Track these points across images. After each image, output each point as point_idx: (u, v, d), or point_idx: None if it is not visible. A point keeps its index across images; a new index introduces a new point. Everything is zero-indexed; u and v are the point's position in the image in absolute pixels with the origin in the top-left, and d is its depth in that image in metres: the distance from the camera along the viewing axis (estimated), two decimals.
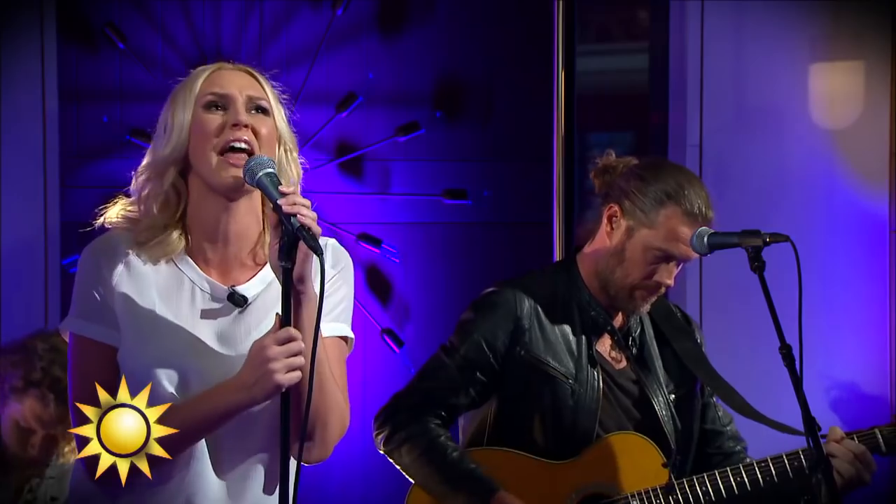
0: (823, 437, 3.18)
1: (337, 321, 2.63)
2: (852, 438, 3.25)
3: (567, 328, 3.35)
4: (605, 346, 3.40)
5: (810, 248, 4.15)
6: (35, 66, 4.60)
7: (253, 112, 2.58)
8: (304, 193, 2.52)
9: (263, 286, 2.61)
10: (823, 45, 4.97)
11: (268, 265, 2.61)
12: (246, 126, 2.55)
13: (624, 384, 3.37)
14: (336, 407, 2.56)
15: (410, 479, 3.32)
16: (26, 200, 4.57)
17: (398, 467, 3.33)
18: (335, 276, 2.63)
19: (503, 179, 5.02)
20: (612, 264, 3.34)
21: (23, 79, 4.58)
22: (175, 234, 2.59)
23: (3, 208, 4.56)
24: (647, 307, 3.35)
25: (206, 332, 2.56)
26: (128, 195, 2.65)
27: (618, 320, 3.40)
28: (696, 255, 3.30)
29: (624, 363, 3.40)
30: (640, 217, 3.31)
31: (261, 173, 2.49)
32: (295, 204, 2.42)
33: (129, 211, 2.63)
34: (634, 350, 3.40)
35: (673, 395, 3.40)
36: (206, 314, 2.57)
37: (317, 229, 2.44)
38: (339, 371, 2.61)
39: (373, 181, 4.95)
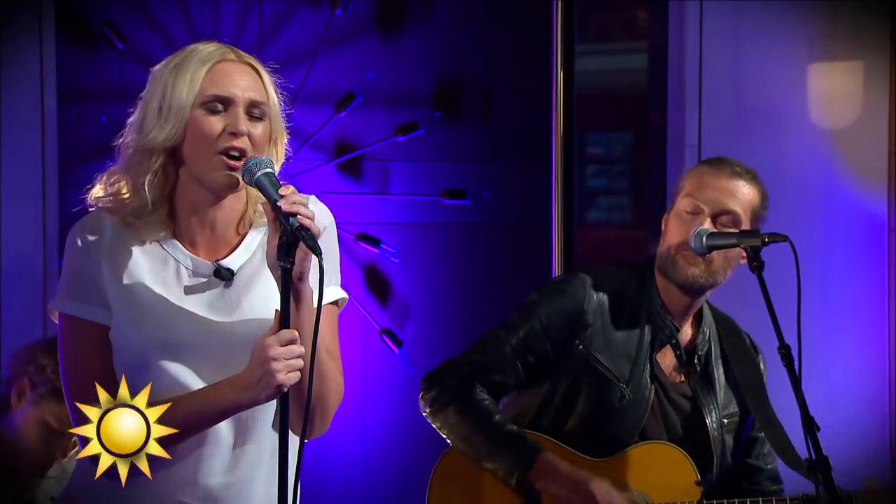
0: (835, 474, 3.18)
1: (327, 286, 2.57)
2: (887, 492, 3.25)
3: (631, 333, 3.33)
4: (666, 359, 3.38)
5: (809, 248, 4.14)
6: (34, 66, 4.59)
7: (252, 118, 2.57)
8: (303, 193, 2.52)
9: (247, 256, 2.62)
10: (822, 44, 4.97)
11: (248, 235, 2.63)
12: (244, 135, 2.54)
13: (676, 399, 3.36)
14: (334, 384, 2.59)
15: (451, 442, 3.32)
16: (25, 200, 4.56)
17: (441, 430, 3.33)
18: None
19: (502, 179, 5.02)
20: (660, 246, 3.36)
21: (22, 79, 4.58)
22: (161, 215, 2.59)
23: (2, 208, 4.56)
24: (696, 273, 3.29)
25: (194, 306, 2.57)
26: (113, 161, 2.64)
27: (685, 335, 3.39)
28: (730, 201, 3.30)
29: (681, 379, 3.38)
30: (675, 193, 3.38)
31: (259, 173, 2.50)
32: (294, 203, 2.43)
33: (116, 186, 2.61)
34: (698, 367, 3.38)
35: (727, 420, 3.39)
36: (191, 290, 2.58)
37: (315, 229, 2.45)
38: (332, 338, 2.62)
39: (372, 181, 4.95)
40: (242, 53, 2.62)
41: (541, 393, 3.36)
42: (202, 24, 4.81)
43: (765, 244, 3.14)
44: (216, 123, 2.55)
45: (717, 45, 4.89)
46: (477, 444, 3.28)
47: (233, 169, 2.54)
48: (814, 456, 2.93)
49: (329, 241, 2.65)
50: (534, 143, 4.93)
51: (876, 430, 4.90)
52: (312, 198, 2.64)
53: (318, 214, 2.60)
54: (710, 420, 3.34)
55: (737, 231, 3.25)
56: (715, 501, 3.26)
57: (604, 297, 3.34)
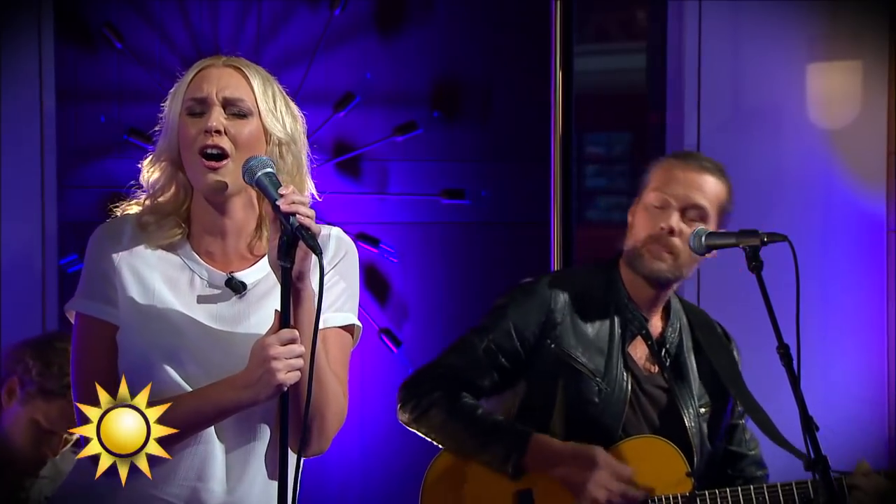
0: (846, 475, 3.18)
1: (340, 311, 2.63)
2: (879, 475, 3.25)
3: (601, 327, 3.35)
4: (637, 351, 3.39)
5: (808, 248, 4.15)
6: (33, 66, 4.59)
7: (231, 116, 2.58)
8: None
9: (262, 274, 2.62)
10: (821, 44, 4.97)
11: (266, 256, 2.62)
12: (218, 132, 2.55)
13: (651, 391, 3.37)
14: (334, 399, 2.57)
15: (438, 444, 3.32)
16: (24, 200, 4.56)
17: (425, 434, 3.33)
18: (337, 264, 2.63)
19: (501, 179, 5.02)
20: (627, 239, 3.39)
21: (20, 78, 4.58)
22: (176, 222, 2.62)
23: (1, 208, 4.56)
24: (662, 267, 3.31)
25: (202, 315, 2.58)
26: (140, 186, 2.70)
27: (655, 327, 3.40)
28: (698, 196, 3.31)
29: (655, 370, 3.39)
30: (642, 186, 3.39)
31: (260, 173, 2.50)
32: (293, 203, 2.43)
33: (142, 201, 2.67)
34: (668, 360, 3.39)
35: (703, 409, 3.39)
36: (203, 299, 2.59)
37: (315, 228, 2.45)
38: (340, 362, 2.62)
39: (371, 181, 4.95)
40: (233, 59, 2.65)
41: (519, 397, 3.36)
42: (201, 24, 4.81)
43: (764, 244, 3.14)
44: (195, 125, 2.57)
45: (715, 45, 4.90)
46: (465, 440, 3.29)
47: (211, 169, 2.55)
48: (813, 455, 2.93)
49: (348, 270, 2.66)
50: (533, 143, 4.93)
51: (875, 429, 4.90)
52: (335, 231, 2.66)
53: (339, 245, 2.64)
54: (686, 411, 3.35)
55: (736, 231, 3.25)
56: (707, 492, 3.27)
57: (571, 294, 3.37)
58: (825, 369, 4.83)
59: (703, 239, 3.25)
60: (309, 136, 4.83)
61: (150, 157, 2.66)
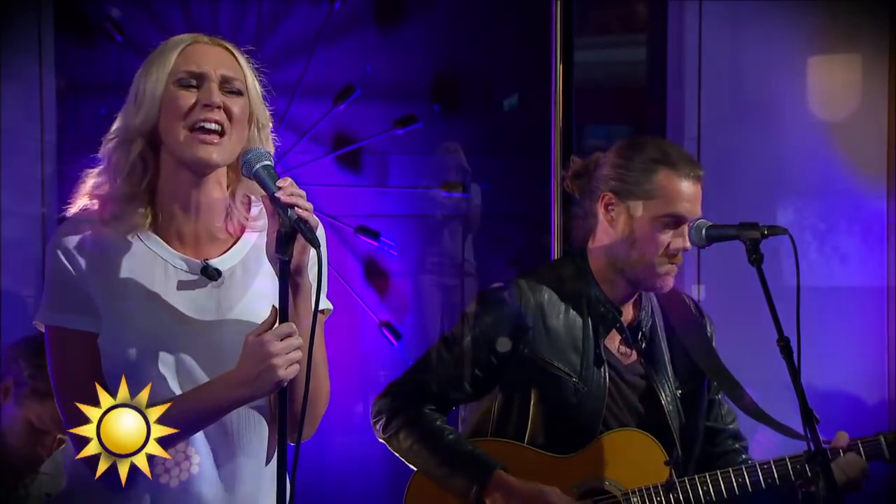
0: (827, 442, 3.18)
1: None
2: (856, 444, 3.25)
3: (575, 325, 3.33)
4: (613, 341, 3.38)
5: (808, 241, 4.15)
6: (33, 60, 4.59)
7: (227, 93, 2.57)
8: (302, 186, 2.52)
9: (239, 258, 2.61)
10: (821, 38, 4.97)
11: (242, 239, 2.62)
12: (219, 107, 2.54)
13: (631, 379, 3.36)
14: (325, 389, 2.60)
15: (409, 465, 3.33)
16: (24, 194, 4.56)
17: (396, 453, 3.34)
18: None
19: (501, 173, 5.02)
20: (624, 250, 3.31)
21: (21, 72, 4.58)
22: (140, 208, 2.57)
23: (1, 201, 4.56)
24: (672, 281, 3.31)
25: (181, 307, 2.55)
26: (96, 161, 2.64)
27: (627, 315, 3.39)
28: (698, 208, 3.28)
29: (633, 357, 3.38)
30: (636, 192, 3.29)
31: (258, 165, 2.49)
32: (292, 195, 2.42)
33: (99, 188, 2.61)
34: (644, 344, 3.38)
35: (680, 391, 3.38)
36: (180, 290, 2.56)
37: (314, 221, 2.44)
38: (322, 344, 2.62)
39: (371, 174, 4.94)
40: (216, 38, 2.64)
41: (496, 402, 3.35)
42: (201, 16, 4.81)
43: (764, 237, 3.14)
44: (189, 97, 2.55)
45: (716, 38, 4.89)
46: (432, 467, 3.29)
47: (208, 143, 2.53)
48: (813, 448, 2.93)
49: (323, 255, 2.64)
50: (532, 136, 4.93)
51: (875, 420, 4.91)
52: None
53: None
54: (663, 395, 3.35)
55: (736, 224, 3.24)
56: (686, 479, 3.27)
57: (541, 295, 3.33)
58: (825, 362, 4.83)
59: (704, 231, 3.25)
60: (309, 129, 4.85)
61: (116, 132, 2.60)
